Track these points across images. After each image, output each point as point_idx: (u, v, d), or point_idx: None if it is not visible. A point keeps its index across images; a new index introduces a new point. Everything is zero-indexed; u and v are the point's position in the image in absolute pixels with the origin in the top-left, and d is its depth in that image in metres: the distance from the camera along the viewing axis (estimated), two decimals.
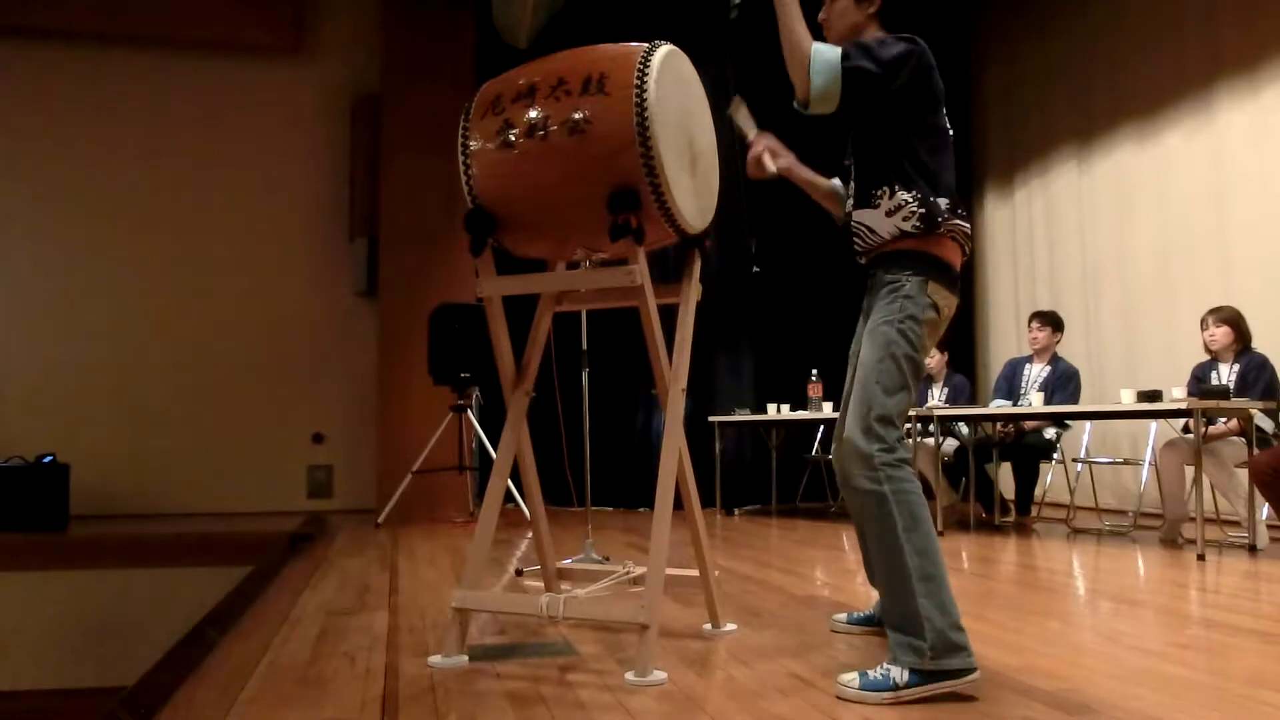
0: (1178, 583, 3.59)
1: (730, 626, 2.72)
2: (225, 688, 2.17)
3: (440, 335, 5.86)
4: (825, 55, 2.11)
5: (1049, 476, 6.07)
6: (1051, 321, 5.68)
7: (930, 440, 5.56)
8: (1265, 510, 4.50)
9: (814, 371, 6.27)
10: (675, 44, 2.44)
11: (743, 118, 2.61)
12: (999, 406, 5.59)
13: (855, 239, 2.34)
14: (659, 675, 2.16)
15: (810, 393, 6.27)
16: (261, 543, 5.03)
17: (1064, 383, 5.49)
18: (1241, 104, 5.45)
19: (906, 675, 1.97)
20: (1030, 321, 5.76)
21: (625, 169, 2.26)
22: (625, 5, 6.85)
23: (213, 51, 6.91)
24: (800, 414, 6.28)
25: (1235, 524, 4.77)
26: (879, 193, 2.25)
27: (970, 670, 1.98)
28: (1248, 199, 5.37)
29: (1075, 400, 5.42)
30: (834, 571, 3.94)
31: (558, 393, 3.98)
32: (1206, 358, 4.87)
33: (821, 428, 6.90)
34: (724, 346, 7.30)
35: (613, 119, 2.26)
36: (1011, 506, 5.97)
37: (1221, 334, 4.74)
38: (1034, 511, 5.87)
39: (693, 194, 2.47)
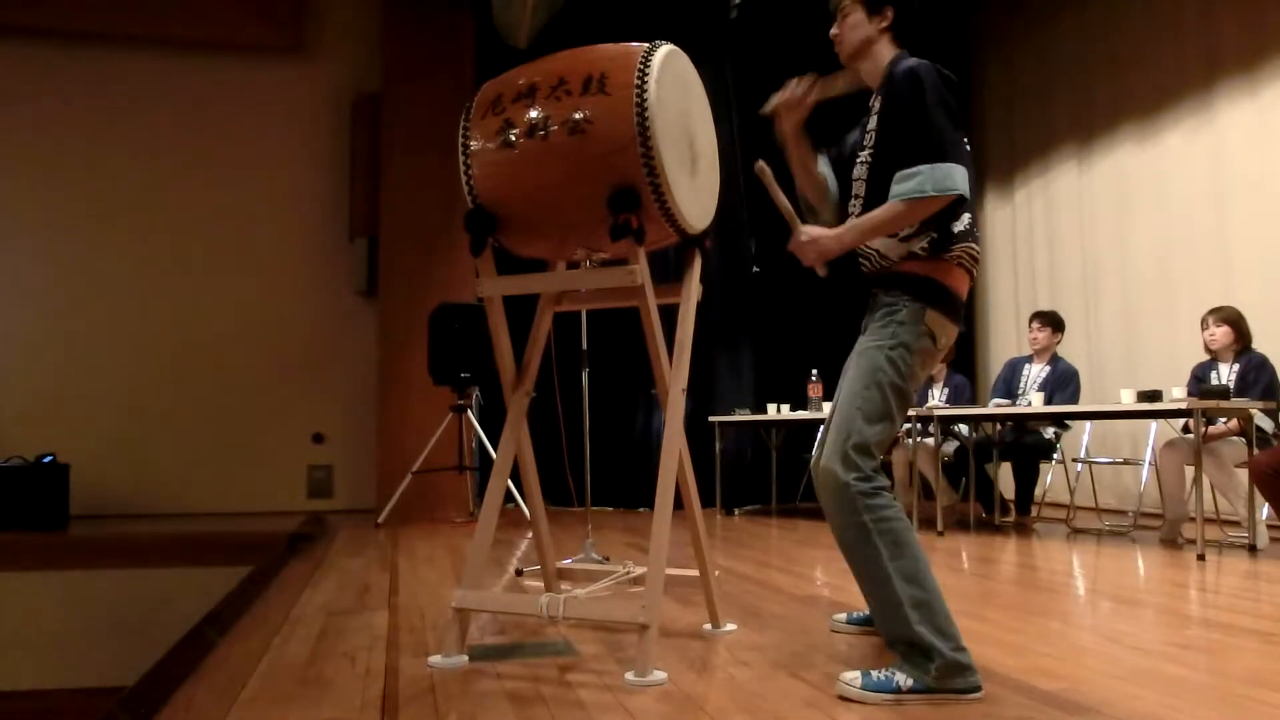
0: (1178, 583, 3.59)
1: (730, 626, 2.72)
2: (225, 688, 2.17)
3: (440, 335, 5.86)
4: (941, 172, 2.02)
5: (1049, 476, 6.07)
6: (1052, 322, 5.68)
7: (930, 440, 5.56)
8: (1265, 510, 4.50)
9: (814, 371, 6.27)
10: (675, 44, 2.44)
11: (774, 185, 2.37)
12: (998, 406, 5.59)
13: (863, 261, 2.27)
14: (659, 675, 2.16)
15: (810, 393, 6.27)
16: (261, 543, 5.03)
17: (1064, 383, 5.49)
18: (1241, 104, 5.45)
19: (911, 682, 1.97)
20: (1031, 322, 5.76)
21: (625, 169, 2.26)
22: (625, 5, 6.85)
23: (213, 51, 6.91)
24: (800, 414, 6.28)
25: (1235, 524, 4.77)
26: None
27: (974, 689, 1.98)
28: (1248, 199, 5.37)
29: (1075, 400, 5.42)
30: (834, 571, 3.94)
31: (558, 393, 3.98)
32: (1206, 358, 4.87)
33: (821, 428, 6.88)
34: (724, 346, 7.30)
35: (613, 119, 2.26)
36: (1011, 506, 5.97)
37: (1221, 334, 4.74)
38: (1034, 511, 5.87)
39: (693, 194, 2.47)
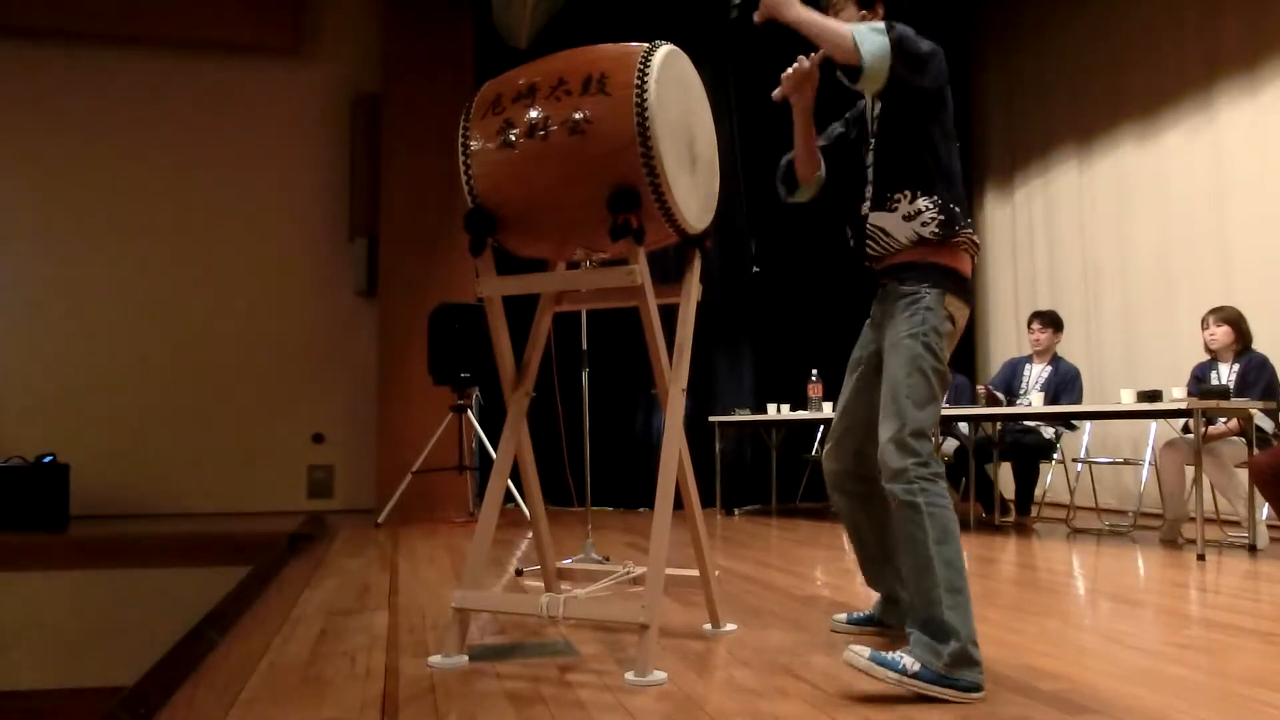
0: (1178, 583, 3.59)
1: (730, 626, 2.72)
2: (225, 688, 2.17)
3: (440, 335, 5.86)
4: (866, 30, 2.14)
5: (1049, 476, 6.07)
6: (1052, 322, 5.68)
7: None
8: (1265, 510, 4.50)
9: (814, 371, 6.27)
10: (675, 44, 2.44)
11: None
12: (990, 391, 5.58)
13: (869, 243, 2.33)
14: (659, 675, 2.16)
15: (810, 393, 6.27)
16: (261, 543, 5.03)
17: (1069, 383, 5.49)
18: (1241, 104, 5.45)
19: (918, 667, 1.98)
20: (1031, 323, 5.76)
21: (625, 169, 2.26)
22: (625, 5, 6.85)
23: (213, 51, 6.91)
24: (800, 414, 6.28)
25: (1235, 524, 4.77)
26: (897, 196, 2.26)
27: (977, 688, 1.98)
28: (1248, 199, 5.37)
29: (1079, 400, 5.42)
30: (834, 571, 3.94)
31: (558, 393, 3.98)
32: (1206, 358, 4.87)
33: (821, 428, 6.90)
34: (724, 346, 7.30)
35: (613, 119, 2.26)
36: (1011, 506, 5.97)
37: (1222, 334, 4.74)
38: (1034, 511, 5.87)
39: (693, 194, 2.47)
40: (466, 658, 2.38)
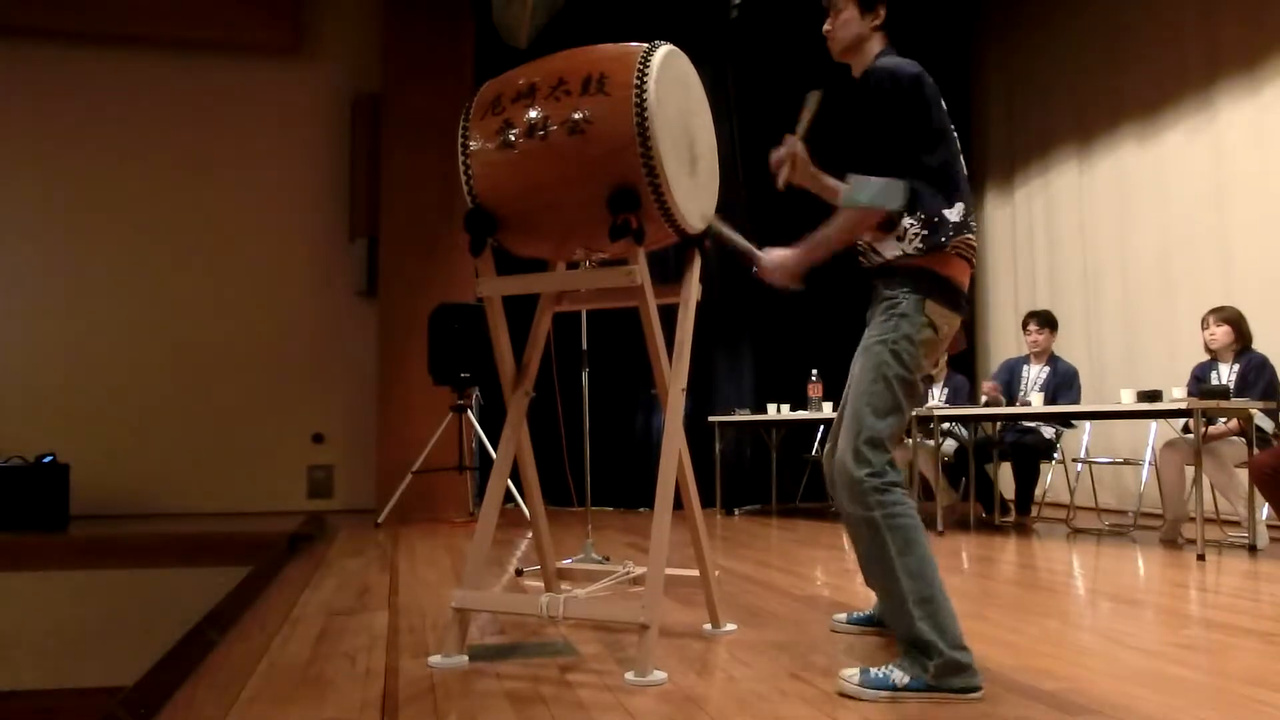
0: (1178, 583, 3.59)
1: (730, 626, 2.72)
2: (225, 688, 2.17)
3: (440, 335, 5.86)
4: (857, 195, 2.15)
5: (1049, 476, 6.07)
6: (1048, 322, 5.68)
7: (930, 440, 5.56)
8: (1265, 510, 4.50)
9: (814, 371, 6.27)
10: (675, 44, 2.44)
11: (727, 230, 2.59)
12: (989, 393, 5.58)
13: (860, 257, 2.35)
14: (659, 675, 2.16)
15: (810, 393, 6.27)
16: (261, 543, 5.03)
17: (1068, 383, 5.49)
18: (1241, 104, 5.45)
19: (908, 680, 1.98)
20: (1027, 324, 5.74)
21: (625, 169, 2.26)
22: (625, 5, 6.85)
23: (212, 51, 6.91)
24: (800, 414, 6.28)
25: (1235, 524, 4.77)
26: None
27: (973, 689, 1.99)
28: (1248, 199, 5.37)
29: (1078, 400, 5.42)
30: (834, 571, 3.94)
31: (558, 393, 3.98)
32: (1206, 358, 4.87)
33: (821, 428, 6.89)
34: (724, 346, 7.30)
35: (613, 119, 2.26)
36: (1011, 506, 5.96)
37: (1222, 334, 4.74)
38: (1034, 511, 5.87)
39: (693, 194, 2.47)
40: (466, 658, 2.38)
